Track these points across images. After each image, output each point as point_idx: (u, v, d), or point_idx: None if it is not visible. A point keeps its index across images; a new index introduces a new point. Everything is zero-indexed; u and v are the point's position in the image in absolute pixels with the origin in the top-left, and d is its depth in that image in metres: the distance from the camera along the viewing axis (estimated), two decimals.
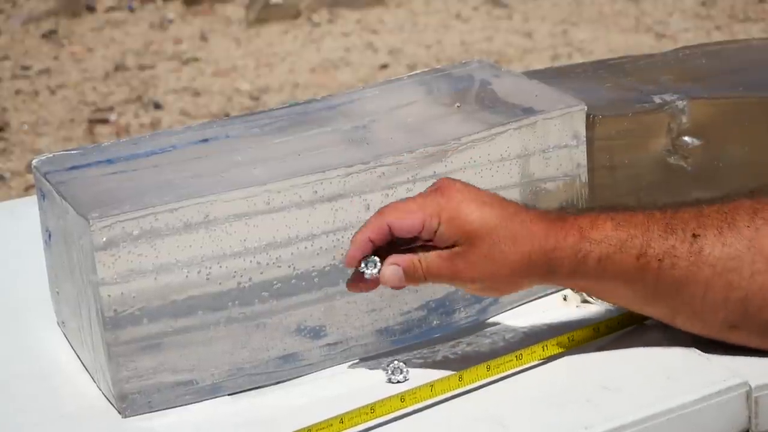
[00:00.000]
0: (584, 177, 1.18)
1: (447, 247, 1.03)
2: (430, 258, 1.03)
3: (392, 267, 1.03)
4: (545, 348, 1.07)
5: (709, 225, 1.03)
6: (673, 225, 1.03)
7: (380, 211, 1.03)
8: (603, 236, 1.03)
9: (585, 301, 1.17)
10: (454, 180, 1.05)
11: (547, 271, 1.04)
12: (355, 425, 0.99)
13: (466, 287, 1.05)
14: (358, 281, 1.04)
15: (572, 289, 1.17)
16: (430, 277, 1.03)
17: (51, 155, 1.13)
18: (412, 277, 1.03)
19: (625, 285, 1.04)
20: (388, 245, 1.03)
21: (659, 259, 1.03)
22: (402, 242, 1.04)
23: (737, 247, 1.02)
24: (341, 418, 0.99)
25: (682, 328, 1.06)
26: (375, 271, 1.03)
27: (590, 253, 1.03)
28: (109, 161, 1.10)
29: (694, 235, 1.03)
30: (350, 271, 1.07)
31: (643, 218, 1.04)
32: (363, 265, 1.03)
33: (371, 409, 1.00)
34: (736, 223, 1.03)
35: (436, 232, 1.02)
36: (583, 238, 1.03)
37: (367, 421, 1.00)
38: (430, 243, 1.03)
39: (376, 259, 1.03)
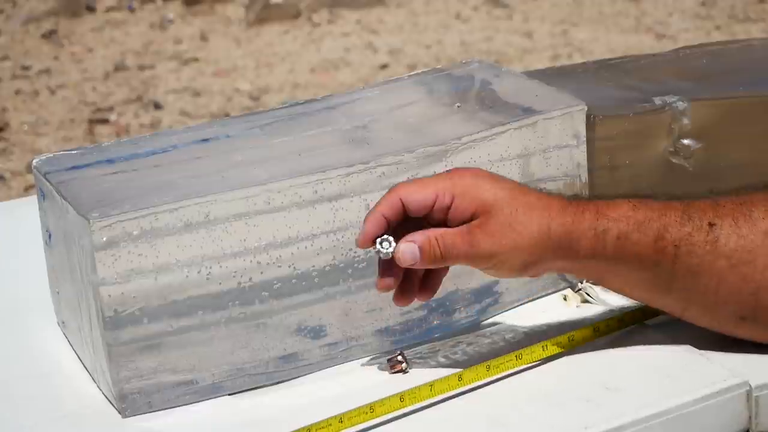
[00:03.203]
0: (585, 177, 1.18)
1: (463, 224, 1.01)
2: (447, 234, 1.01)
3: (407, 244, 1.00)
4: (545, 348, 1.07)
5: (725, 215, 1.02)
6: (690, 213, 1.03)
7: (393, 188, 1.02)
8: (620, 215, 1.02)
9: (585, 301, 1.17)
10: (466, 167, 1.05)
11: (568, 247, 1.02)
12: (355, 425, 0.99)
13: (486, 264, 1.02)
14: (386, 274, 1.02)
15: (584, 280, 1.16)
16: (447, 254, 1.00)
17: (51, 155, 1.13)
18: (428, 255, 1.00)
19: (642, 269, 1.03)
20: (403, 230, 1.01)
21: (676, 245, 1.02)
22: (415, 226, 1.01)
23: (752, 239, 1.02)
24: (340, 418, 0.99)
25: (691, 321, 1.06)
26: (390, 249, 1.00)
27: (608, 230, 1.02)
28: (110, 161, 1.10)
29: (711, 224, 1.02)
30: (351, 272, 1.07)
31: (659, 204, 1.03)
32: (378, 244, 1.00)
33: (370, 408, 1.00)
34: (752, 215, 1.02)
35: (449, 209, 1.01)
36: (600, 215, 1.02)
37: (366, 420, 1.00)
38: (445, 225, 1.01)
39: (390, 238, 1.00)
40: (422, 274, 1.05)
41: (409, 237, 1.01)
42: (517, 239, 1.01)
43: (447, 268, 1.05)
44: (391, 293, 1.04)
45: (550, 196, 1.05)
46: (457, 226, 1.01)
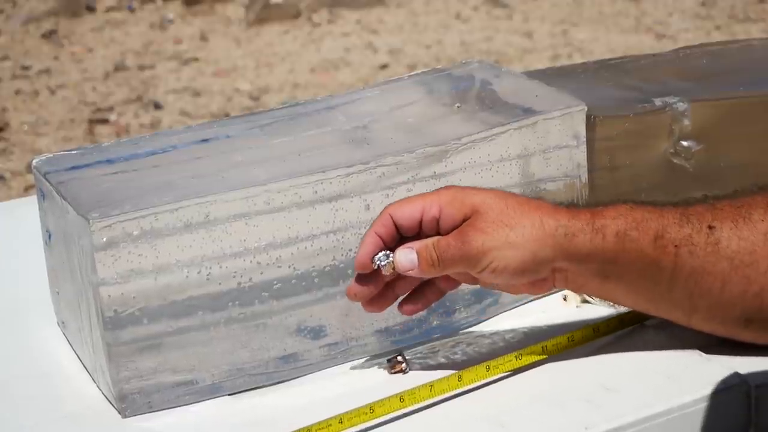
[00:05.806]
0: (585, 177, 1.18)
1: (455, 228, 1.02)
2: (441, 238, 1.01)
3: (404, 251, 1.02)
4: (545, 348, 1.07)
5: (725, 218, 1.02)
6: (688, 216, 1.02)
7: (384, 208, 1.04)
8: (617, 213, 1.02)
9: (585, 301, 1.17)
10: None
11: (564, 241, 1.01)
12: (354, 425, 0.99)
13: (482, 264, 1.01)
14: (361, 282, 1.03)
15: (583, 294, 1.16)
16: (443, 257, 1.01)
17: (51, 155, 1.13)
18: (425, 260, 1.01)
19: (643, 269, 1.02)
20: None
21: (676, 245, 1.01)
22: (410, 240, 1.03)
23: (753, 241, 1.01)
24: (340, 418, 0.99)
25: (697, 327, 1.05)
26: (389, 261, 1.02)
27: (607, 227, 1.01)
28: (109, 161, 1.10)
29: (710, 227, 1.02)
30: (351, 272, 1.07)
31: (655, 207, 1.03)
32: (377, 259, 1.02)
33: (370, 409, 1.00)
34: (751, 217, 1.02)
35: (438, 221, 1.02)
36: (596, 215, 1.02)
37: (366, 421, 1.00)
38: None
39: (388, 251, 1.02)
40: (409, 287, 1.05)
41: (407, 245, 1.02)
42: (510, 234, 1.00)
43: (440, 292, 1.06)
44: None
45: (540, 200, 1.04)
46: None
